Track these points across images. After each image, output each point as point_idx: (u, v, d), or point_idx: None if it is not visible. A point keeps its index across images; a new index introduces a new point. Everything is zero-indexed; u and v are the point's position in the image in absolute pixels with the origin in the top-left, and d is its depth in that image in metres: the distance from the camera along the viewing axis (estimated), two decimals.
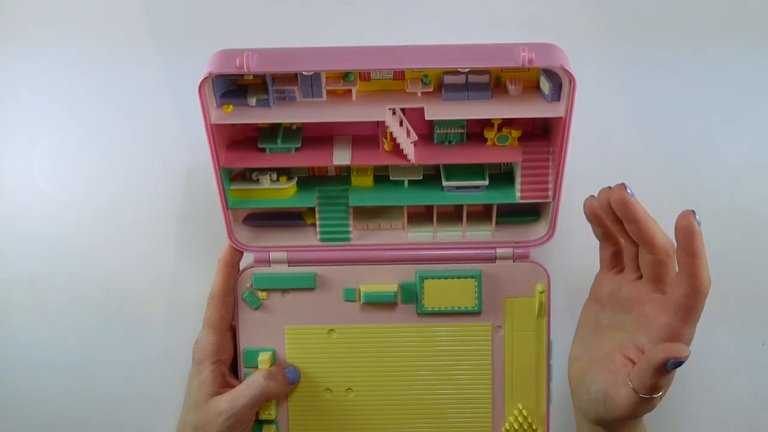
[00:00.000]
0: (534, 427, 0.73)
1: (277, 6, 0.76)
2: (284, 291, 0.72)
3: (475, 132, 0.70)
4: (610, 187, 0.62)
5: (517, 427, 0.73)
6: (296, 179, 0.72)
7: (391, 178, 0.72)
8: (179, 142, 0.77)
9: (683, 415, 0.80)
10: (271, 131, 0.70)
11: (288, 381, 0.71)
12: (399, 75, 0.68)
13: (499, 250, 0.72)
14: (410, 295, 0.72)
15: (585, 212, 0.65)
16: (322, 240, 0.73)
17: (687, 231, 0.58)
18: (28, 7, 0.76)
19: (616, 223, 0.63)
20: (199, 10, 0.76)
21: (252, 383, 0.69)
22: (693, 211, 0.58)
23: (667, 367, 0.58)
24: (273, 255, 0.72)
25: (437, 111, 0.66)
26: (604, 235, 0.67)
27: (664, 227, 0.77)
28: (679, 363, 0.58)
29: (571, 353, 0.69)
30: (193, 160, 0.77)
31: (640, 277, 0.65)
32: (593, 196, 0.64)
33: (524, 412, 0.73)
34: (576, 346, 0.69)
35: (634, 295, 0.64)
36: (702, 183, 0.78)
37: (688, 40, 0.77)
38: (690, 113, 0.77)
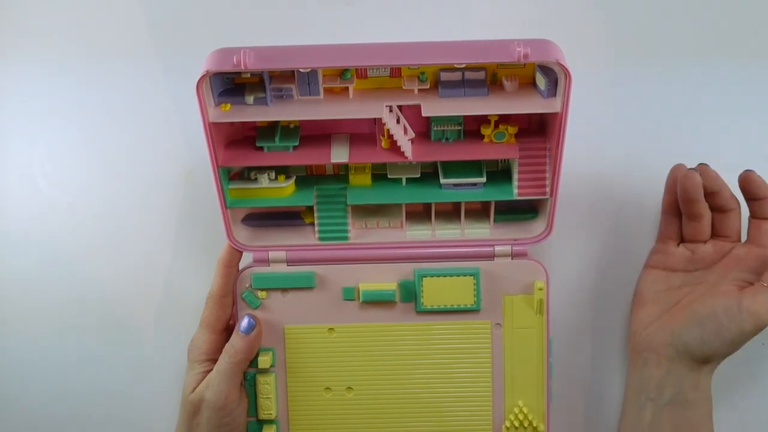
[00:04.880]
0: (534, 424, 0.73)
1: (276, 7, 0.76)
2: (283, 290, 0.72)
3: (472, 129, 0.71)
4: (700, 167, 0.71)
5: (517, 425, 0.73)
6: (294, 178, 0.72)
7: (389, 177, 0.72)
8: (178, 142, 0.77)
9: None
10: (269, 130, 0.71)
11: (242, 331, 0.70)
12: (395, 72, 0.69)
13: (497, 248, 0.72)
14: (409, 293, 0.72)
15: (683, 187, 0.69)
16: (320, 239, 0.73)
17: (747, 180, 0.70)
18: (28, 7, 0.77)
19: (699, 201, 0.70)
20: (198, 11, 0.77)
21: (219, 359, 0.70)
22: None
23: None
24: (272, 254, 0.72)
25: (434, 108, 0.67)
26: (674, 212, 0.73)
27: (656, 215, 0.78)
28: None
29: (641, 318, 0.73)
30: (193, 160, 0.77)
31: (704, 242, 0.72)
32: (693, 170, 0.70)
33: (524, 410, 0.72)
34: (646, 310, 0.73)
35: (711, 253, 0.72)
36: None
37: (686, 37, 0.77)
38: (687, 110, 0.77)
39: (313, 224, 0.73)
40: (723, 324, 0.68)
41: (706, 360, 0.69)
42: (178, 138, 0.77)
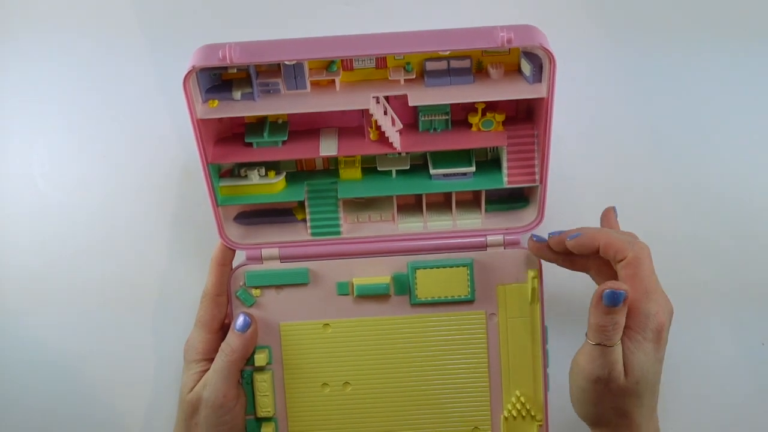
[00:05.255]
0: (533, 414, 0.72)
1: (272, 7, 0.77)
2: (278, 287, 0.72)
3: (459, 119, 0.71)
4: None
5: (515, 414, 0.72)
6: (285, 174, 0.73)
7: (378, 169, 0.72)
8: (172, 141, 0.78)
9: (683, 415, 0.80)
10: (258, 126, 0.71)
11: (237, 330, 0.70)
12: (381, 63, 0.69)
13: (489, 238, 0.72)
14: (403, 286, 0.72)
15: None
16: (312, 234, 0.73)
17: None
18: (24, 9, 0.77)
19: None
20: (198, 12, 0.77)
21: (216, 358, 0.70)
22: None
23: (604, 300, 0.61)
24: (265, 252, 0.72)
25: (420, 97, 0.67)
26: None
27: (653, 211, 0.78)
28: (613, 294, 0.60)
29: None
30: (187, 160, 0.77)
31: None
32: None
33: (522, 399, 0.72)
34: None
35: None
36: (694, 174, 0.78)
37: (676, 24, 0.77)
38: (676, 92, 0.77)
39: (305, 220, 0.73)
40: (570, 383, 0.66)
41: (592, 424, 0.66)
42: (173, 136, 0.77)
